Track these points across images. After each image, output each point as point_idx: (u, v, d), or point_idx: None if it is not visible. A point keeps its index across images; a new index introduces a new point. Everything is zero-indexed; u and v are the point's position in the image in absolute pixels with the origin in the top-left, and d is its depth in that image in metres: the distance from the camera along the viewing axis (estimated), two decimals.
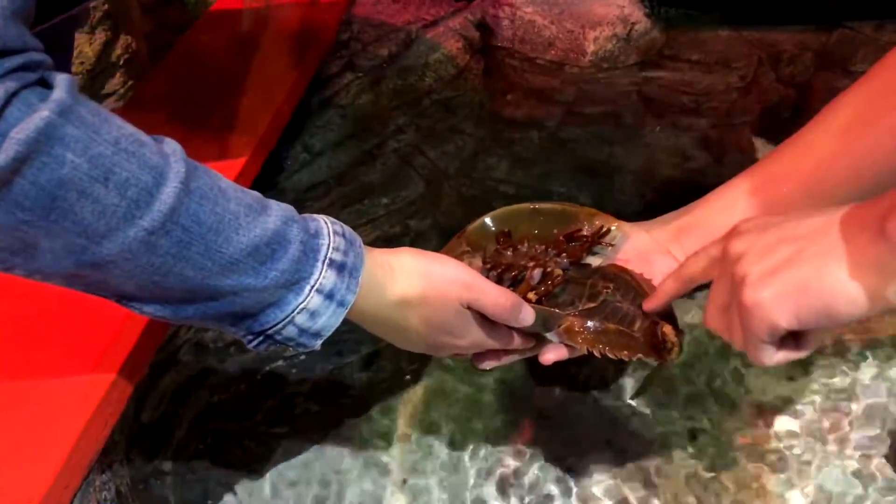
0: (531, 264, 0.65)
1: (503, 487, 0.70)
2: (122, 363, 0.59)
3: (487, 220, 0.70)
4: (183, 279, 0.46)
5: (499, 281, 0.63)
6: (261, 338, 0.52)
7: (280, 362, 0.81)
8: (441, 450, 0.73)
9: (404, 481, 0.71)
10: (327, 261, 0.51)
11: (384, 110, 1.10)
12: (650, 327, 0.62)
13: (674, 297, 0.60)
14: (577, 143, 1.08)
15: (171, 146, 0.46)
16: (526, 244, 0.67)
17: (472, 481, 0.71)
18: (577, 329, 0.61)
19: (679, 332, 0.62)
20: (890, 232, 0.41)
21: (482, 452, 0.73)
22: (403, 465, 0.72)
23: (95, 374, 0.59)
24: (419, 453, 0.73)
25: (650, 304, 0.62)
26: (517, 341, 0.63)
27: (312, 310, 0.50)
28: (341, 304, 0.52)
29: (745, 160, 1.03)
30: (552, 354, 0.63)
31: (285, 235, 0.49)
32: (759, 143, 1.07)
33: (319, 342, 0.53)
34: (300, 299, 0.50)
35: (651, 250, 0.68)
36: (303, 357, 0.81)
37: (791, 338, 0.49)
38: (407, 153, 1.06)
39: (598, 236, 0.68)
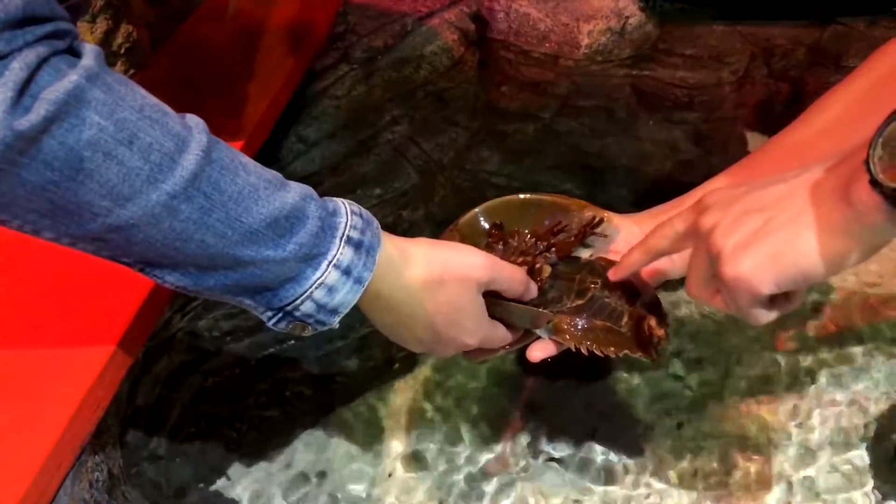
0: (520, 259, 0.65)
1: (491, 476, 0.71)
2: (115, 347, 0.60)
3: (479, 212, 0.71)
4: (204, 246, 0.47)
5: None
6: (280, 314, 0.53)
7: (272, 348, 0.82)
8: (430, 437, 0.74)
9: (390, 474, 0.72)
10: (345, 237, 0.52)
11: (379, 101, 1.10)
12: (637, 322, 0.62)
13: (638, 268, 0.61)
14: (570, 135, 1.09)
15: (194, 119, 0.48)
16: (516, 238, 0.68)
17: (460, 469, 0.72)
18: (564, 327, 0.62)
19: (665, 324, 0.62)
20: (854, 198, 0.43)
21: (471, 440, 0.74)
22: (392, 451, 0.73)
23: (89, 356, 0.60)
24: (408, 439, 0.74)
25: (615, 275, 0.63)
26: (510, 339, 0.64)
27: (330, 285, 0.51)
28: (358, 280, 0.52)
29: (737, 154, 1.03)
30: (539, 352, 0.64)
31: (304, 210, 0.50)
32: (750, 137, 1.07)
33: (337, 319, 0.54)
34: (318, 274, 0.51)
35: None
36: (294, 343, 0.82)
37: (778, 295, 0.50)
38: (401, 144, 1.06)
39: (592, 227, 0.68)
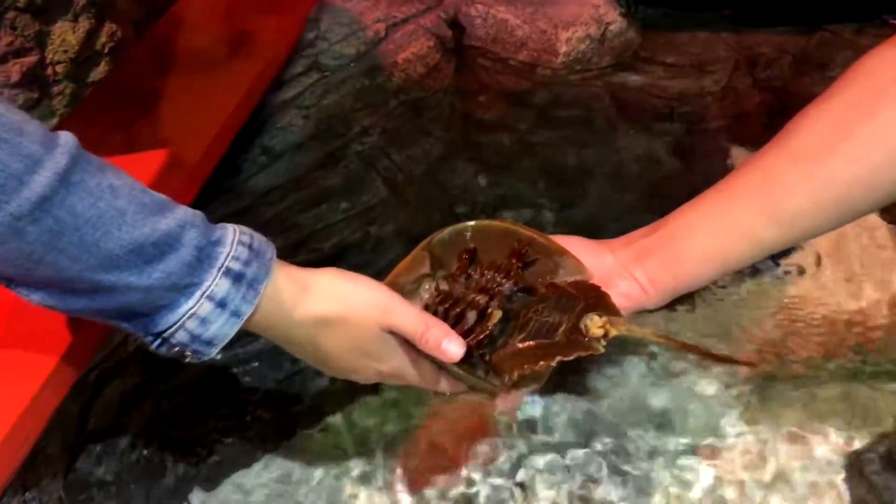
0: (479, 298, 0.64)
1: (457, 497, 0.70)
2: (44, 380, 0.59)
3: (457, 231, 0.69)
4: (57, 268, 0.47)
5: (444, 317, 0.63)
6: (159, 340, 0.53)
7: (231, 370, 0.81)
8: (393, 459, 0.74)
9: (353, 496, 0.71)
10: (223, 269, 0.52)
11: (349, 111, 1.09)
12: (574, 325, 0.62)
13: None
14: (547, 147, 1.08)
15: (64, 138, 0.47)
16: (479, 272, 0.67)
17: (424, 490, 0.71)
18: (500, 362, 0.62)
19: (607, 316, 0.62)
20: None
21: (436, 462, 0.73)
22: (354, 474, 0.73)
23: (15, 390, 0.58)
24: (371, 462, 0.73)
25: None
26: (443, 384, 0.64)
27: (202, 316, 0.51)
28: (235, 314, 0.52)
29: (719, 167, 1.02)
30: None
31: (178, 238, 0.50)
32: (733, 149, 1.05)
33: (214, 350, 0.54)
34: (190, 304, 0.51)
35: (614, 272, 0.69)
36: (255, 364, 0.81)
37: None
38: (371, 156, 1.05)
39: (519, 258, 0.68)
